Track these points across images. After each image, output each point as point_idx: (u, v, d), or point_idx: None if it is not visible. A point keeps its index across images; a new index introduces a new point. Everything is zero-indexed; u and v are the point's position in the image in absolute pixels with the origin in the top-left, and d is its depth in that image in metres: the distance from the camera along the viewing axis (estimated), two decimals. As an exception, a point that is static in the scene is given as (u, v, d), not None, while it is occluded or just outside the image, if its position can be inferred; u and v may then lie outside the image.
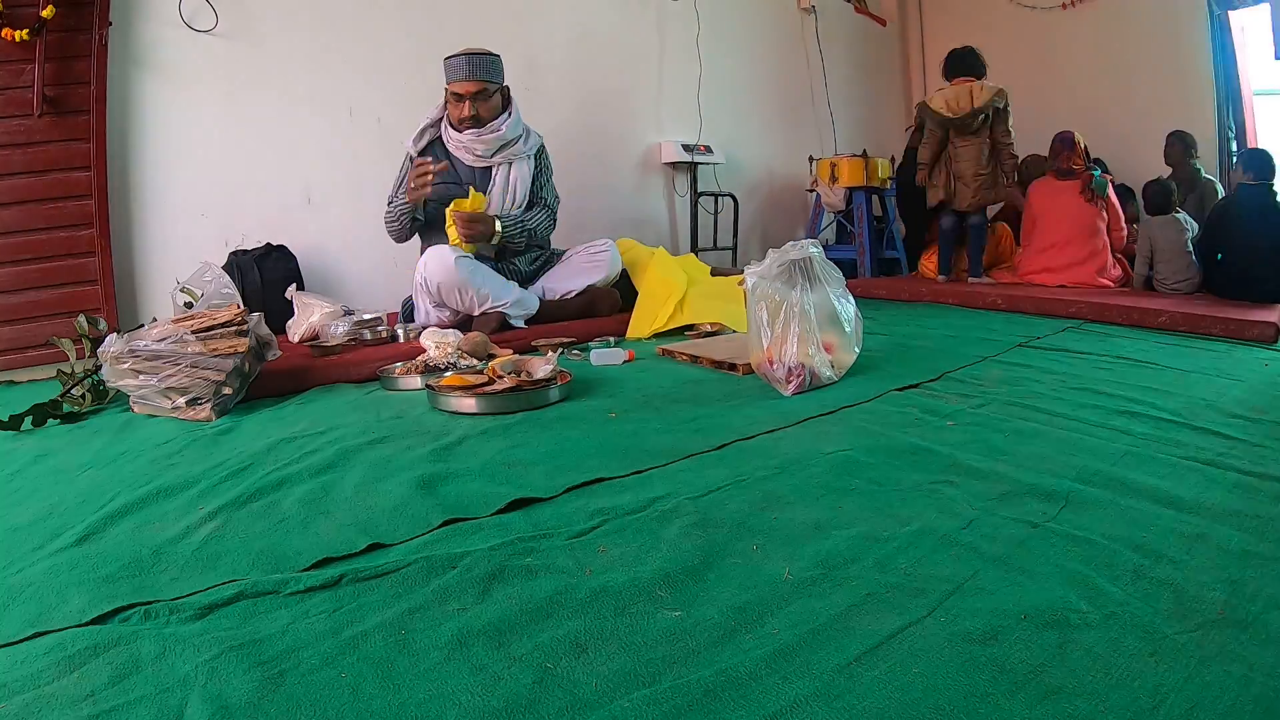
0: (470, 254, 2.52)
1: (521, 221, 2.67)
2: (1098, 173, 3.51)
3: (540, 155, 2.80)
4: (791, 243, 1.89)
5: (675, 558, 0.96)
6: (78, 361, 1.96)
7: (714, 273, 3.17)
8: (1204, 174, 3.79)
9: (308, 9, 3.01)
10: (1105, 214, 3.50)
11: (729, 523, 1.06)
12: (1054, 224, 3.52)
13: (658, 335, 2.66)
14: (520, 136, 2.71)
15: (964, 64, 3.65)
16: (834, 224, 4.45)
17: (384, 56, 3.19)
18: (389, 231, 2.68)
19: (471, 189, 2.55)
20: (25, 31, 2.36)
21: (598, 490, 1.21)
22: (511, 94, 2.71)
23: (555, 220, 2.83)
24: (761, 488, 1.19)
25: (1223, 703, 0.65)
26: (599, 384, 1.96)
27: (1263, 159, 3.03)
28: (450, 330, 2.29)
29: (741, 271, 2.18)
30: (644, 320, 2.70)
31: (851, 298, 1.95)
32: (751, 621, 0.81)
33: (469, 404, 1.72)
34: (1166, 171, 3.84)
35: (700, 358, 2.20)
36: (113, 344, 1.77)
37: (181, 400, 1.77)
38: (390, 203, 2.67)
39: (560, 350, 2.37)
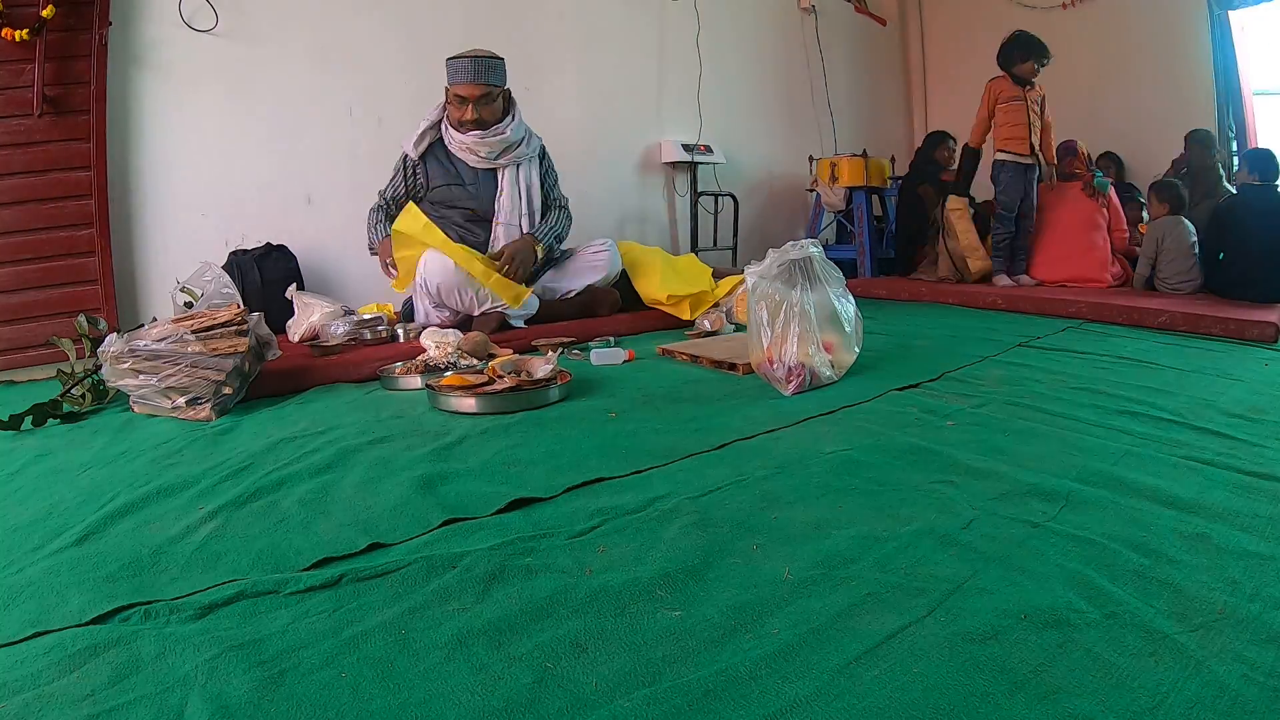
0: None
1: (551, 228, 2.73)
2: (1099, 174, 3.54)
3: (544, 157, 2.81)
4: (791, 243, 1.89)
5: (675, 557, 0.96)
6: (78, 361, 1.96)
7: (715, 274, 3.17)
8: (1224, 182, 3.60)
9: (308, 9, 3.01)
10: (1105, 213, 3.50)
11: (729, 523, 1.06)
12: (1055, 222, 3.53)
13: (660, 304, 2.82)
14: (523, 139, 2.71)
15: (1026, 49, 3.59)
16: (834, 224, 4.45)
17: (384, 56, 3.19)
18: (368, 242, 2.72)
19: (465, 250, 2.53)
20: (25, 31, 2.36)
21: (598, 490, 1.21)
22: (514, 96, 2.72)
23: (571, 217, 2.87)
24: (761, 488, 1.19)
25: (1223, 703, 0.65)
26: (599, 384, 1.96)
27: (1266, 158, 3.03)
28: (450, 330, 2.29)
29: (741, 271, 2.18)
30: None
31: (851, 298, 1.95)
32: (751, 621, 0.81)
33: (469, 404, 1.72)
34: (1167, 171, 3.84)
35: (700, 357, 2.20)
36: (113, 344, 1.77)
37: (181, 400, 1.77)
38: (375, 210, 2.71)
39: (560, 350, 2.37)
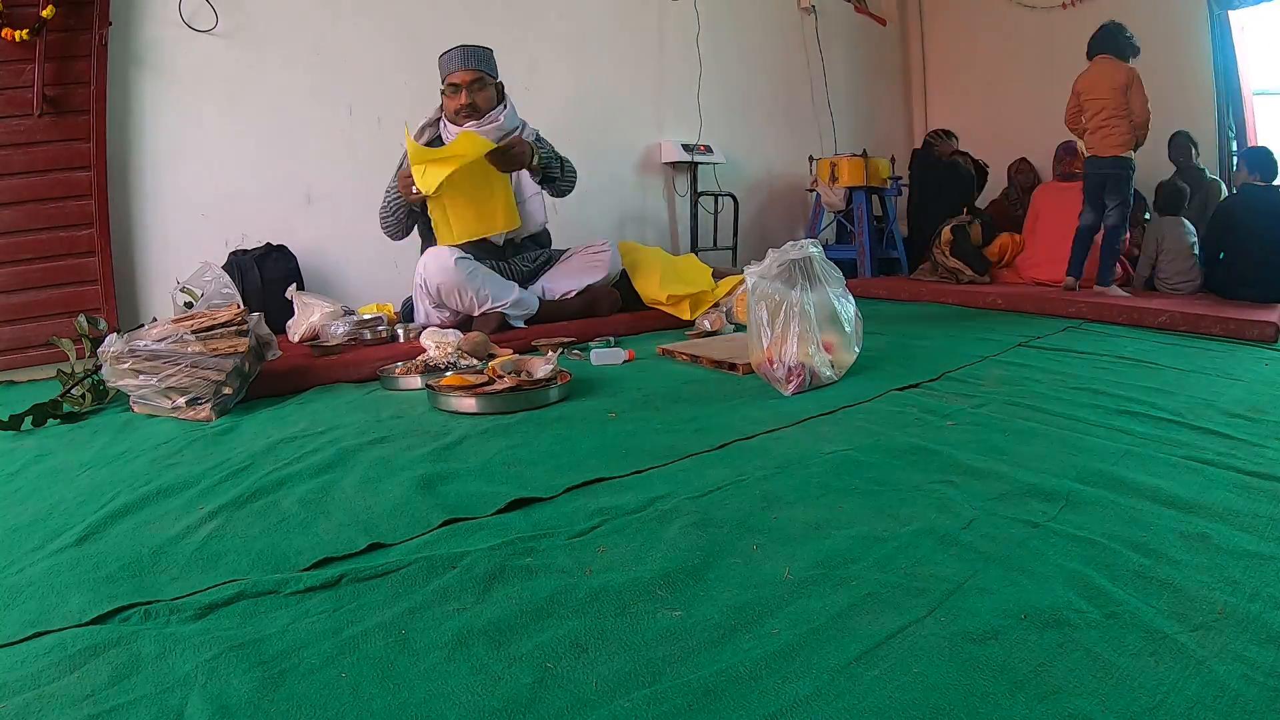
0: (469, 256, 2.52)
1: (552, 150, 2.67)
2: None
3: (538, 140, 2.77)
4: (791, 243, 1.89)
5: (675, 557, 0.96)
6: (78, 361, 1.96)
7: (715, 274, 3.17)
8: (1208, 174, 3.80)
9: (307, 9, 3.01)
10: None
11: (729, 523, 1.06)
12: (1056, 222, 3.54)
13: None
14: (518, 128, 2.70)
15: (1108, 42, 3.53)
16: (834, 224, 4.45)
17: (384, 56, 3.19)
18: (385, 228, 2.66)
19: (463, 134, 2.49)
20: (25, 31, 2.36)
21: (598, 490, 1.21)
22: (505, 90, 2.71)
23: (575, 174, 2.81)
24: (761, 488, 1.19)
25: (1223, 703, 0.65)
26: (599, 384, 1.96)
27: (1265, 158, 3.03)
28: (450, 330, 2.29)
29: (741, 271, 2.19)
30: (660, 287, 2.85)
31: (851, 297, 1.95)
32: (751, 621, 0.81)
33: (469, 404, 1.72)
34: (1168, 171, 3.85)
35: (700, 358, 2.20)
36: (113, 344, 1.77)
37: (181, 400, 1.77)
38: (386, 194, 2.65)
39: (560, 350, 2.37)
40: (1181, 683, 0.68)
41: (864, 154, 4.10)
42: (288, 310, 2.60)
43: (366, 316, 2.57)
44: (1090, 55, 3.20)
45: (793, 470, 1.27)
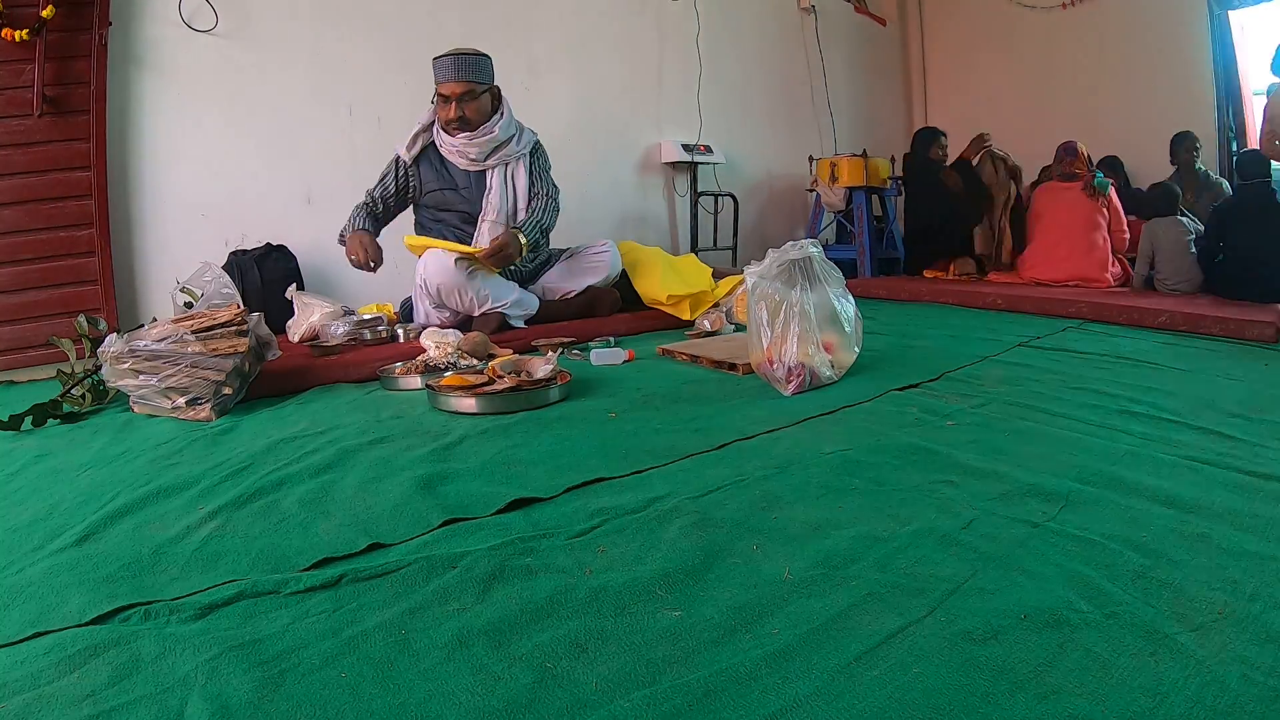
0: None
1: (534, 221, 2.63)
2: (1100, 175, 3.54)
3: (535, 153, 2.75)
4: (791, 243, 1.89)
5: (675, 558, 0.96)
6: (78, 361, 1.96)
7: (715, 274, 3.17)
8: (1213, 176, 3.81)
9: (307, 9, 3.01)
10: (1106, 213, 3.51)
11: (729, 523, 1.06)
12: (1056, 222, 3.54)
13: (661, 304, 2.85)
14: (513, 137, 2.67)
15: None
16: (834, 224, 4.45)
17: (384, 56, 3.19)
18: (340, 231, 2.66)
19: (460, 245, 2.53)
20: (25, 31, 2.36)
21: (598, 490, 1.21)
22: (503, 93, 2.67)
23: (559, 206, 2.77)
24: (761, 488, 1.19)
25: (1223, 703, 0.65)
26: (599, 384, 1.96)
27: (1263, 159, 3.03)
28: (450, 330, 2.29)
29: (741, 271, 2.19)
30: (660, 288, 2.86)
31: (851, 297, 1.95)
32: (751, 621, 0.81)
33: (469, 404, 1.72)
34: (1168, 171, 3.86)
35: (700, 358, 2.20)
36: (113, 344, 1.77)
37: (181, 400, 1.77)
38: (361, 206, 2.67)
39: (560, 350, 2.37)
40: (1181, 683, 0.68)
41: (864, 154, 4.10)
42: (288, 310, 2.60)
43: (366, 316, 2.57)
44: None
45: (793, 470, 1.27)
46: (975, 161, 3.90)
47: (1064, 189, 3.58)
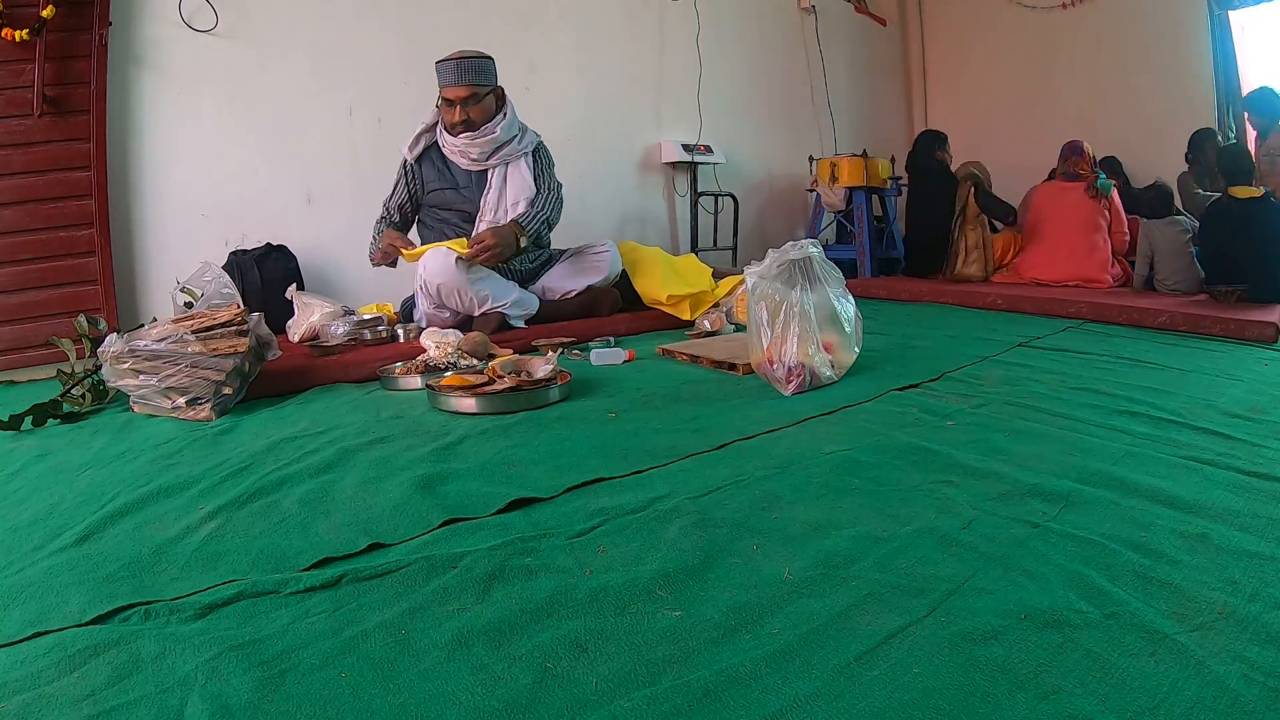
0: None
1: (537, 214, 2.63)
2: (1103, 175, 3.54)
3: (538, 152, 2.77)
4: (791, 243, 1.89)
5: (675, 558, 0.96)
6: (78, 361, 1.96)
7: (715, 274, 3.17)
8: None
9: (307, 9, 3.01)
10: (1108, 214, 3.51)
11: (729, 523, 1.06)
12: (1056, 222, 3.54)
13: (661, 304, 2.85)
14: (515, 137, 2.69)
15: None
16: (834, 224, 4.45)
17: (384, 56, 3.19)
18: (369, 251, 2.68)
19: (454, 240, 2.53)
20: (25, 31, 2.36)
21: (598, 490, 1.21)
22: (506, 94, 2.69)
23: (562, 201, 2.77)
24: (761, 488, 1.19)
25: (1223, 703, 0.65)
26: (599, 384, 1.96)
27: (1239, 155, 3.03)
28: (450, 330, 2.29)
29: (741, 271, 2.19)
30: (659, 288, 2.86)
31: (851, 298, 1.95)
32: (751, 621, 0.81)
33: (469, 404, 1.72)
34: (1167, 170, 3.84)
35: (700, 358, 2.20)
36: (113, 344, 1.77)
37: (181, 400, 1.77)
38: (379, 221, 2.70)
39: (560, 350, 2.37)
40: (1181, 683, 0.68)
41: (864, 154, 4.09)
42: (288, 310, 2.60)
43: (366, 316, 2.57)
44: None
45: (793, 470, 1.27)
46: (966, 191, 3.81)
47: (1066, 189, 3.57)
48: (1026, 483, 1.17)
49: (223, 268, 2.51)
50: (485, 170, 2.67)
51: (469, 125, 2.58)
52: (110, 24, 2.57)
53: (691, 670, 0.72)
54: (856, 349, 1.95)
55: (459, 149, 2.63)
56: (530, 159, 2.72)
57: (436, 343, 2.17)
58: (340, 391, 2.02)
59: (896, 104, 5.54)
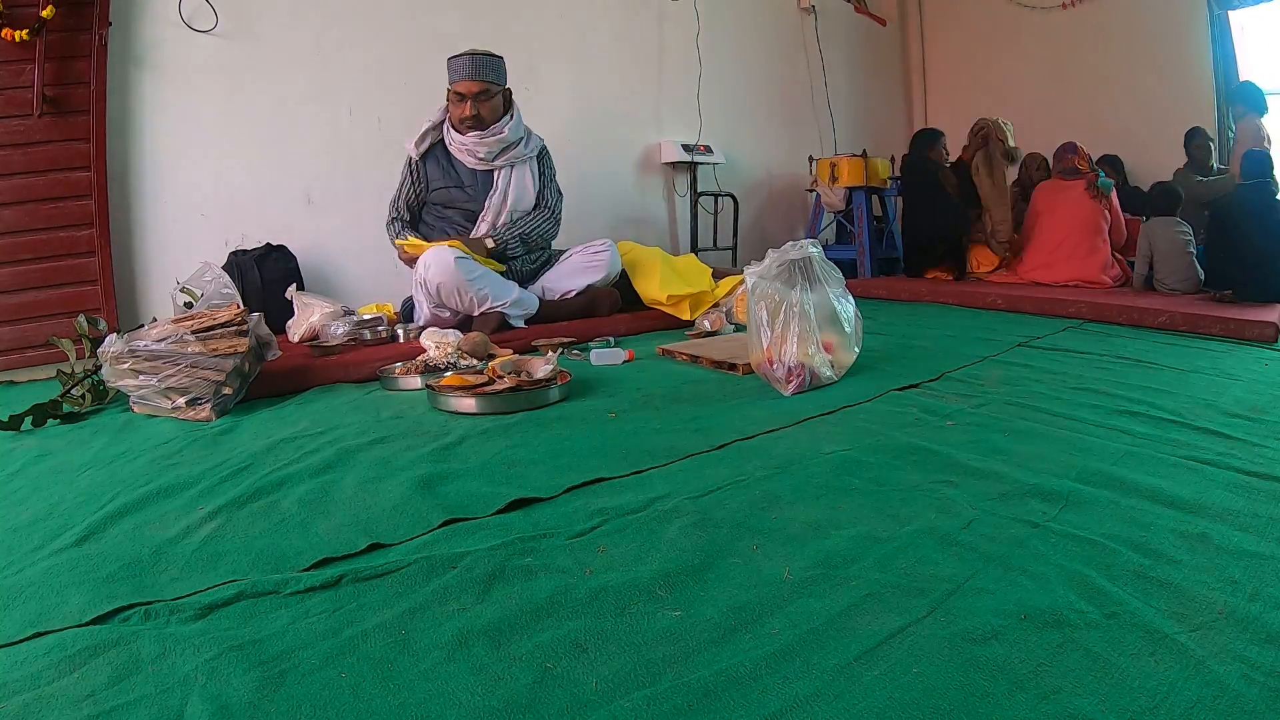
0: (470, 256, 2.52)
1: (518, 234, 2.67)
2: (1103, 174, 3.54)
3: (542, 157, 2.80)
4: (791, 243, 1.89)
5: (675, 558, 0.96)
6: (78, 361, 1.96)
7: (715, 274, 3.17)
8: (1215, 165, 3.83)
9: (307, 9, 3.01)
10: (1108, 215, 3.50)
11: (729, 523, 1.06)
12: (1056, 222, 3.53)
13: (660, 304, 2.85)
14: (522, 139, 2.71)
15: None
16: (834, 224, 4.45)
17: (384, 56, 3.19)
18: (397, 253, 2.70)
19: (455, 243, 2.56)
20: (25, 31, 2.36)
21: (598, 490, 1.21)
22: (514, 97, 2.72)
23: (558, 221, 2.82)
24: (761, 488, 1.19)
25: (1223, 703, 0.65)
26: (599, 384, 1.96)
27: (1261, 159, 3.03)
28: (450, 330, 2.29)
29: (741, 271, 2.19)
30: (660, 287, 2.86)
31: (851, 298, 1.95)
32: (751, 621, 0.81)
33: (469, 404, 1.72)
34: (1168, 170, 3.85)
35: (700, 358, 2.20)
36: (113, 344, 1.77)
37: (181, 400, 1.77)
38: (392, 222, 2.72)
39: (560, 350, 2.37)
40: (1181, 683, 0.68)
41: (864, 154, 4.09)
42: (288, 310, 2.60)
43: (366, 316, 2.57)
44: None
45: (793, 470, 1.27)
46: (974, 165, 3.80)
47: (1065, 187, 3.57)
48: (1026, 483, 1.17)
49: (222, 268, 2.51)
50: (491, 171, 2.68)
51: (478, 122, 2.60)
52: (110, 24, 2.57)
53: (691, 670, 0.72)
54: (856, 349, 1.95)
55: (466, 147, 2.63)
56: (535, 164, 2.74)
57: (436, 343, 2.17)
58: (340, 391, 2.02)
59: (896, 104, 5.54)
